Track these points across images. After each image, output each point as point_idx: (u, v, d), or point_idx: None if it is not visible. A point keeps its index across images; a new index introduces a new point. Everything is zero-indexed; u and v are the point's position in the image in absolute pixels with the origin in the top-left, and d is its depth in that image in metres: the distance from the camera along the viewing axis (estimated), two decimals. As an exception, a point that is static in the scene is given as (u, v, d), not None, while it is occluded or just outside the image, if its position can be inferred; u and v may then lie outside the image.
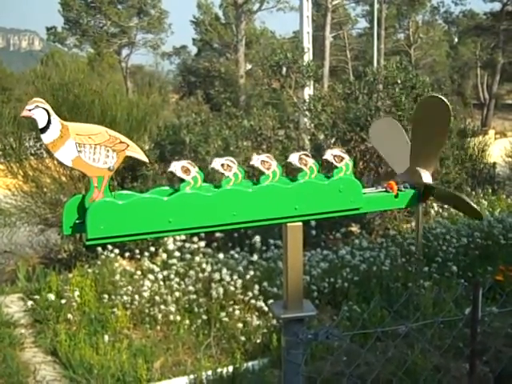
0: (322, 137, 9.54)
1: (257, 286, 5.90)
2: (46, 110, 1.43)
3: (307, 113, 10.00)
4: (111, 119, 8.03)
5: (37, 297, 6.34)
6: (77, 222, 1.50)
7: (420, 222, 2.32)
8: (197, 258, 6.39)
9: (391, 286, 6.04)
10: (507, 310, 3.14)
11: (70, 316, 5.75)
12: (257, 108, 11.40)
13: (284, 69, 11.06)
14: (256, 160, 1.63)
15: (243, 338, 5.33)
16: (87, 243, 1.49)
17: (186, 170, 1.54)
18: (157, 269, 6.36)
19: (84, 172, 1.47)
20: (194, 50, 41.61)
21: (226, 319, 5.56)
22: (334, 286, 6.10)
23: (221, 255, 6.44)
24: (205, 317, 5.69)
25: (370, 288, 6.02)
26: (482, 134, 13.99)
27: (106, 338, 5.32)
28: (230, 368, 4.66)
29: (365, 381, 2.86)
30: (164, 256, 6.61)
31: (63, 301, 5.95)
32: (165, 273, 6.27)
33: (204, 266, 6.22)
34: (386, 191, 1.87)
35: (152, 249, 6.80)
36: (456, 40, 43.67)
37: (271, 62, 10.88)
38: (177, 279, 6.16)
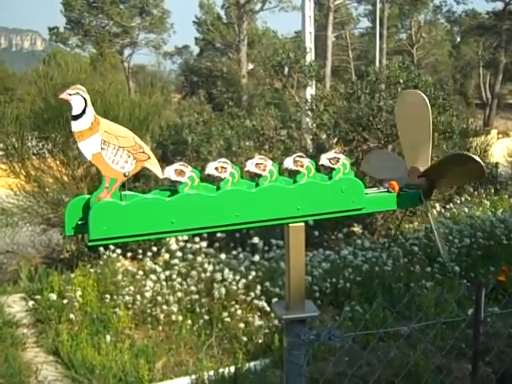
0: (324, 137, 9.54)
1: (259, 287, 5.90)
2: (85, 100, 1.43)
3: (309, 113, 10.00)
4: (113, 119, 7.92)
5: (39, 297, 6.34)
6: (79, 222, 1.50)
7: (434, 223, 2.17)
8: (199, 259, 6.39)
9: (393, 287, 6.03)
10: (510, 311, 3.13)
11: (71, 316, 5.76)
12: (259, 108, 11.41)
13: (286, 69, 11.06)
14: (250, 165, 1.63)
15: (245, 339, 5.33)
16: (89, 244, 1.48)
17: (180, 172, 1.53)
18: (159, 269, 6.36)
19: (100, 169, 1.47)
20: (196, 49, 41.61)
21: (228, 319, 5.55)
22: (336, 286, 6.09)
23: (223, 255, 6.44)
24: (207, 317, 5.69)
25: (372, 288, 6.01)
26: (484, 133, 13.98)
27: (108, 338, 5.32)
28: (232, 368, 4.66)
29: (367, 381, 2.85)
30: (166, 256, 6.61)
31: (65, 301, 5.96)
32: (167, 273, 6.27)
33: (206, 266, 6.22)
34: (388, 191, 1.87)
35: (154, 249, 6.80)
36: (458, 39, 43.60)
37: (273, 61, 10.89)
38: (179, 279, 6.16)
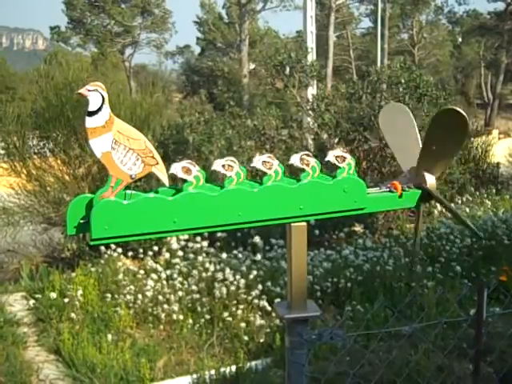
0: (325, 136, 9.54)
1: (260, 286, 5.90)
2: (103, 97, 1.43)
3: (310, 112, 10.00)
4: (114, 118, 8.01)
5: (40, 296, 6.35)
6: (81, 221, 1.50)
7: (420, 222, 2.29)
8: (200, 258, 6.38)
9: (394, 286, 6.03)
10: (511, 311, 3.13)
11: (73, 315, 5.76)
12: (260, 107, 11.41)
13: (287, 68, 11.04)
14: (257, 161, 1.63)
15: (246, 338, 5.33)
16: (91, 243, 1.48)
17: (187, 170, 1.54)
18: (160, 268, 6.36)
19: (108, 168, 1.47)
20: (197, 49, 41.64)
21: (229, 319, 5.55)
22: (337, 285, 6.09)
23: (224, 255, 6.44)
24: (208, 316, 5.69)
25: (374, 288, 6.01)
26: (485, 133, 13.97)
27: (109, 337, 5.32)
28: (233, 368, 4.66)
29: (368, 381, 2.85)
30: (167, 255, 6.61)
31: (66, 300, 5.96)
32: (168, 272, 6.27)
33: (207, 265, 6.21)
34: (390, 191, 1.87)
35: (155, 248, 6.80)
36: (460, 40, 43.58)
37: (275, 61, 10.87)
38: (180, 279, 6.16)
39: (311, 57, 14.25)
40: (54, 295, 6.09)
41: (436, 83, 10.23)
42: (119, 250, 6.78)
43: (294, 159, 1.67)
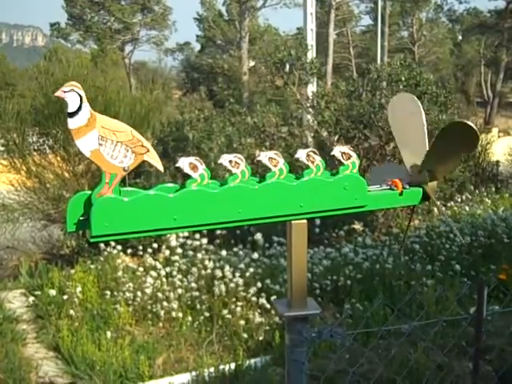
0: (325, 134, 9.53)
1: (259, 284, 5.90)
2: (80, 96, 1.41)
3: (310, 110, 9.99)
4: (114, 115, 7.99)
5: (39, 292, 6.35)
6: (81, 218, 1.49)
7: (411, 219, 2.33)
8: (199, 255, 6.38)
9: (394, 284, 6.03)
10: (511, 310, 3.12)
11: (72, 312, 5.76)
12: (260, 105, 11.40)
13: (287, 66, 11.03)
14: (264, 156, 1.62)
15: (245, 335, 5.33)
16: (91, 240, 1.48)
17: (194, 167, 1.53)
18: (159, 265, 6.36)
19: (99, 165, 1.46)
20: (197, 46, 41.55)
21: (229, 316, 5.55)
22: (337, 283, 6.09)
23: (223, 252, 6.43)
24: (207, 314, 5.69)
25: (373, 286, 6.01)
26: (485, 132, 13.97)
27: (109, 334, 5.32)
28: (233, 365, 4.65)
29: (368, 379, 2.85)
30: (167, 253, 6.61)
31: (65, 297, 5.96)
32: (167, 269, 6.27)
33: (206, 262, 6.21)
34: (391, 189, 1.86)
35: (155, 245, 6.80)
36: (460, 38, 43.53)
37: (275, 58, 10.86)
38: (179, 276, 6.16)
39: (311, 54, 14.23)
40: (53, 292, 6.09)
41: (436, 81, 10.22)
42: (119, 247, 6.79)
43: (301, 154, 1.66)
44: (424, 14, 40.16)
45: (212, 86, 29.26)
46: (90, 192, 1.50)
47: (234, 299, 5.76)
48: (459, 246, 7.01)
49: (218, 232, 6.81)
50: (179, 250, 6.53)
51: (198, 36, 39.81)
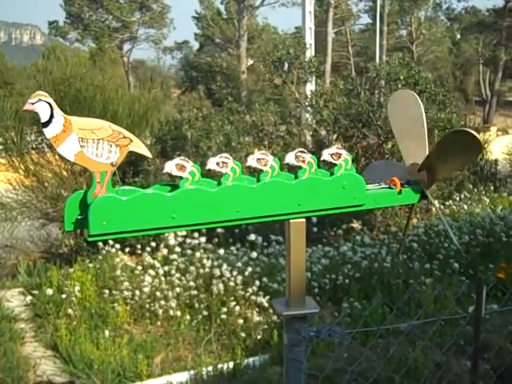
0: (323, 133, 9.53)
1: (257, 282, 5.89)
2: (49, 104, 1.40)
3: (309, 108, 9.99)
4: (113, 114, 8.01)
5: (37, 291, 6.34)
6: (79, 217, 1.49)
7: (441, 214, 2.32)
8: (197, 254, 6.38)
9: (392, 283, 6.03)
10: (510, 309, 3.12)
11: (70, 311, 5.75)
12: (259, 104, 11.39)
13: (286, 64, 11.03)
14: (251, 160, 1.61)
15: (244, 334, 5.33)
16: (89, 239, 1.47)
17: (181, 167, 1.52)
18: (157, 264, 6.36)
19: (86, 167, 1.45)
20: (195, 45, 41.56)
21: (227, 315, 5.55)
22: (335, 282, 6.09)
23: (221, 251, 6.43)
24: (205, 312, 5.68)
25: (371, 285, 6.01)
26: (483, 130, 13.97)
27: (107, 333, 5.31)
28: (231, 364, 4.65)
29: (366, 378, 2.85)
30: (165, 251, 6.61)
31: (64, 295, 5.95)
32: (165, 268, 6.27)
33: (205, 261, 6.21)
34: (390, 188, 1.86)
35: (153, 244, 6.79)
36: (458, 36, 43.54)
37: (273, 57, 10.86)
38: (177, 275, 6.15)
39: (310, 53, 14.23)
40: (51, 291, 6.08)
41: (434, 80, 10.23)
42: (117, 245, 6.78)
43: (289, 158, 1.65)
44: (423, 13, 40.23)
45: (210, 85, 29.22)
46: (87, 191, 1.49)
47: (232, 298, 5.76)
48: (457, 248, 7.01)
49: (217, 231, 6.80)
50: (177, 249, 6.53)
51: (196, 34, 39.80)
